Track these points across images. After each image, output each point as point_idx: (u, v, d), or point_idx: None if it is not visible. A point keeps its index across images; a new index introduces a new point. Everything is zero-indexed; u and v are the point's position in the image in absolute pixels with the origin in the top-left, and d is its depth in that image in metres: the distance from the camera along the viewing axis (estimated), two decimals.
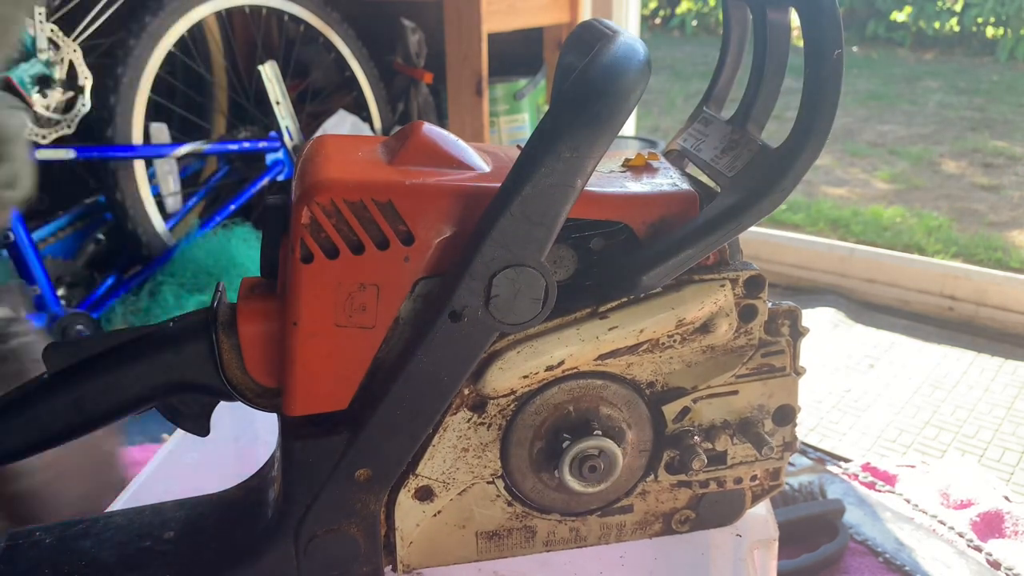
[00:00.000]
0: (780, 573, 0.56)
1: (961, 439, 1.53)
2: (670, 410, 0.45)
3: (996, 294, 1.94)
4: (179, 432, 0.63)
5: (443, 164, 0.41)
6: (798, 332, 0.46)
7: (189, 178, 2.04)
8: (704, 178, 0.46)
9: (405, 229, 0.39)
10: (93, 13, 1.65)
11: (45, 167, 1.92)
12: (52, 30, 1.54)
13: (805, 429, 1.55)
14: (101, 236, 1.86)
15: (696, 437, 0.45)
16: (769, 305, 0.45)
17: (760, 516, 0.52)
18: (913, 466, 1.36)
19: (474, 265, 0.38)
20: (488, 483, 0.45)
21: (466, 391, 0.42)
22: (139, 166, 1.73)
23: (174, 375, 0.42)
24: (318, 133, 1.97)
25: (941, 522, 1.19)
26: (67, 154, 1.59)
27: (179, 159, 1.90)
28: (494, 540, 0.46)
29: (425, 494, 0.44)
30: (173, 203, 1.89)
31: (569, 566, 0.48)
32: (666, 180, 0.45)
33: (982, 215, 2.88)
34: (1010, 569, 1.10)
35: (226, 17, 2.08)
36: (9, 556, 0.44)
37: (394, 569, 0.45)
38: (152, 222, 1.76)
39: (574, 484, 0.43)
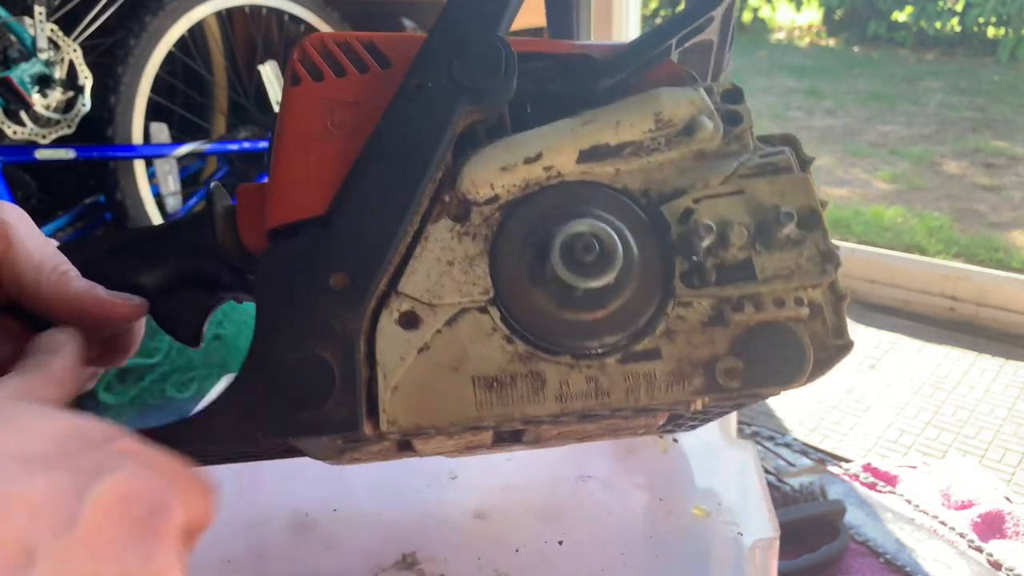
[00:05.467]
0: (780, 573, 0.56)
1: (962, 440, 1.53)
2: (671, 210, 0.40)
3: (997, 294, 1.94)
4: None
5: None
6: (803, 159, 0.42)
7: (189, 178, 2.04)
8: None
9: (384, 59, 0.43)
10: (93, 13, 1.65)
11: (45, 167, 1.93)
12: (52, 30, 1.54)
13: (806, 430, 1.55)
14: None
15: (707, 237, 0.40)
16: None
17: (761, 515, 0.52)
18: (914, 467, 1.36)
19: (433, 37, 0.41)
20: (481, 311, 0.40)
21: (446, 198, 0.40)
22: (139, 166, 1.73)
23: (175, 251, 0.45)
24: None
25: (942, 523, 1.19)
26: (67, 154, 1.59)
27: (179, 159, 1.90)
28: (495, 390, 0.39)
29: (410, 320, 0.39)
30: (173, 203, 1.89)
31: (570, 565, 0.48)
32: None
33: (983, 215, 2.88)
34: (1011, 570, 1.10)
35: (226, 17, 2.08)
36: None
37: (378, 427, 0.39)
38: (152, 222, 1.76)
39: (569, 277, 0.38)
